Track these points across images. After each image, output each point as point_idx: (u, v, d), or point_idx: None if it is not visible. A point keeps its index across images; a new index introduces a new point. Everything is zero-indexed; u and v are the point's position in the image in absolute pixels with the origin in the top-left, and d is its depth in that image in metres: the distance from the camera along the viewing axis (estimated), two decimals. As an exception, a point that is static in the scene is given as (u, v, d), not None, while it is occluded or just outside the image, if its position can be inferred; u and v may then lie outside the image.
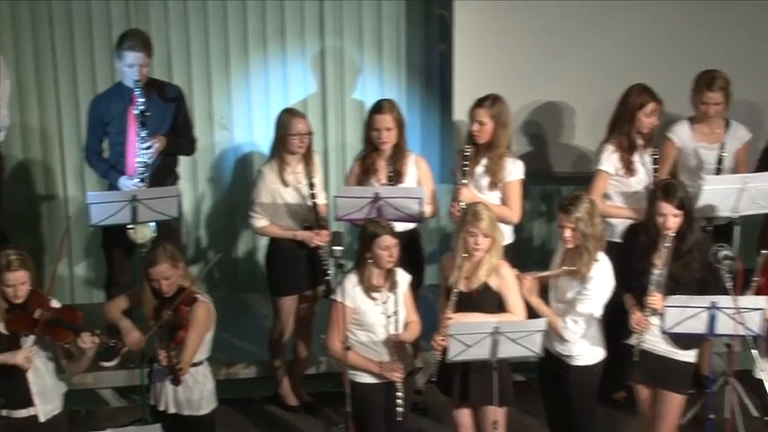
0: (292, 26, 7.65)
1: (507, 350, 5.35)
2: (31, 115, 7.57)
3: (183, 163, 7.09)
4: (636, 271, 5.65)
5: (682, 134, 6.63)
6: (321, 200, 6.55)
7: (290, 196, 6.44)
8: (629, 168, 6.46)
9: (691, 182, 6.29)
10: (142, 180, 6.42)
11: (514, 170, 6.35)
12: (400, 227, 6.01)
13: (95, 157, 6.67)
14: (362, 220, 5.93)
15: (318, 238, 6.39)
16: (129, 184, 6.44)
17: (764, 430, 6.54)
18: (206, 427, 5.74)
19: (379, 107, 6.36)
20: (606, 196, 6.50)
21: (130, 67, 6.44)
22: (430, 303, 6.38)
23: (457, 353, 5.34)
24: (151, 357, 5.62)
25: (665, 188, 5.61)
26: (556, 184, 7.85)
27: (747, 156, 6.70)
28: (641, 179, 6.46)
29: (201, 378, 5.66)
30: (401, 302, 5.67)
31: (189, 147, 6.83)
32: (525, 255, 7.47)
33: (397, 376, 5.61)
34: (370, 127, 6.37)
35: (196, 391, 5.63)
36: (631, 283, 5.68)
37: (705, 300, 5.42)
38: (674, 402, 5.73)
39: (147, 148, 6.43)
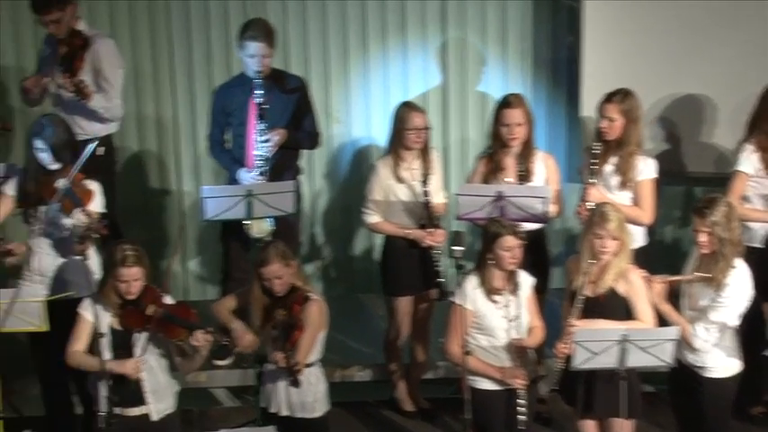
0: (414, 18, 7.69)
1: (636, 359, 5.28)
2: (146, 104, 7.74)
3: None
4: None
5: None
6: (439, 198, 6.55)
7: (403, 193, 6.45)
8: (770, 169, 6.34)
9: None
10: (261, 173, 6.50)
11: (646, 169, 6.27)
12: (525, 227, 5.97)
13: (218, 147, 6.77)
14: (484, 220, 5.93)
15: (431, 238, 6.38)
16: (248, 176, 6.52)
17: None
18: (319, 430, 5.80)
19: (508, 101, 6.34)
20: (745, 199, 6.37)
21: (252, 58, 6.53)
22: (554, 308, 6.34)
23: (582, 361, 5.30)
24: (260, 358, 5.69)
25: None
26: (690, 185, 7.73)
27: None
28: (783, 180, 6.34)
29: (314, 380, 5.72)
30: (524, 306, 5.65)
31: (311, 140, 6.86)
32: (657, 259, 7.35)
33: (520, 383, 5.58)
34: (498, 122, 6.34)
35: (309, 393, 5.69)
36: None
37: None
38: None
39: (266, 141, 6.52)
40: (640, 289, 5.55)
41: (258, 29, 6.55)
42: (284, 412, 5.71)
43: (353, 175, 7.86)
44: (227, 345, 5.71)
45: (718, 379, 5.57)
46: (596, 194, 6.18)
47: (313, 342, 5.62)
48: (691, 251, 5.74)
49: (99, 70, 6.65)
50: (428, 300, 6.61)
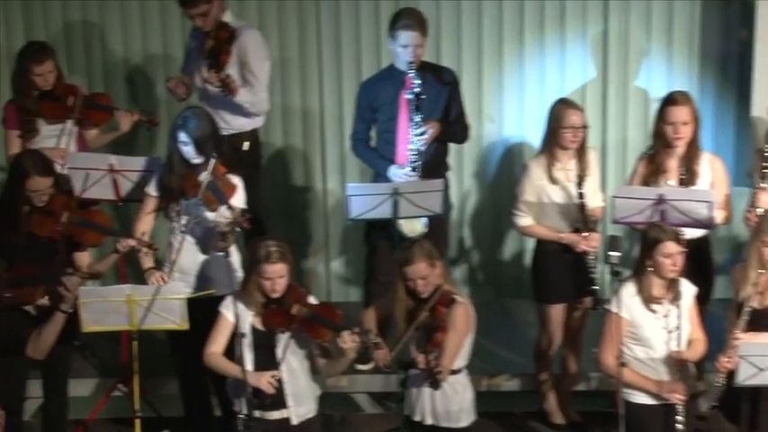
0: (572, 9, 7.65)
1: (808, 377, 5.19)
2: (292, 96, 7.85)
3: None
4: None
5: None
6: (596, 201, 6.50)
7: (557, 195, 6.41)
8: None
9: None
10: (414, 169, 6.53)
11: (822, 173, 6.14)
12: (688, 233, 5.89)
13: (362, 144, 6.82)
14: (643, 224, 5.87)
15: (586, 243, 6.33)
16: (399, 173, 6.55)
17: None
18: (464, 442, 5.82)
19: (674, 98, 6.27)
20: None
21: (404, 48, 6.55)
22: (717, 320, 6.23)
23: (746, 376, 5.24)
24: (405, 364, 5.68)
25: None
26: None
27: None
28: None
29: (461, 388, 5.73)
30: (684, 317, 5.58)
31: (462, 134, 6.89)
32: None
33: (679, 398, 5.52)
34: (662, 120, 6.27)
35: (455, 401, 5.71)
36: None
37: None
38: None
39: (421, 134, 6.56)
40: (813, 302, 5.45)
41: (411, 18, 6.58)
42: (429, 421, 5.74)
43: (504, 175, 7.85)
44: (377, 343, 5.60)
45: None
46: (767, 200, 6.07)
47: (459, 346, 5.63)
48: None
49: (245, 63, 6.76)
50: (582, 308, 6.57)
